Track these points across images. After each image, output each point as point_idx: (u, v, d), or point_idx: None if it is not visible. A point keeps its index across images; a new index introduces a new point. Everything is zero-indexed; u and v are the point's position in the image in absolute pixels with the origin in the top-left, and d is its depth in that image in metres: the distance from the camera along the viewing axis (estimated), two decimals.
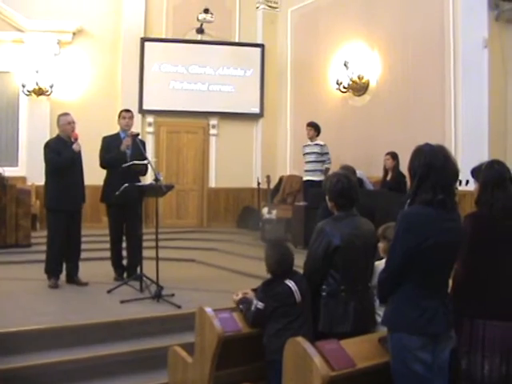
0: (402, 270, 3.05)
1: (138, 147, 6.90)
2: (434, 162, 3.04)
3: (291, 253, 4.10)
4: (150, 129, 12.15)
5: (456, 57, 8.59)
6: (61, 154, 6.77)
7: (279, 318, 3.83)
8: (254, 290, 4.16)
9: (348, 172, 4.50)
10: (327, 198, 4.03)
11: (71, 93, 11.71)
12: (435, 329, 3.05)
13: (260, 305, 3.89)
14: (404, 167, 8.35)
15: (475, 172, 3.64)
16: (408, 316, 3.04)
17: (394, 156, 8.75)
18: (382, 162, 8.92)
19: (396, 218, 3.16)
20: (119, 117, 7.47)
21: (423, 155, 3.09)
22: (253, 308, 3.94)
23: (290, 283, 3.87)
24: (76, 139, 6.85)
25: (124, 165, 6.81)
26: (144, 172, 7.17)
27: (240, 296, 4.21)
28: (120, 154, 7.04)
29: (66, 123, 6.92)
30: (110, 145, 7.26)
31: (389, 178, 8.79)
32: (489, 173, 3.47)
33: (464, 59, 8.48)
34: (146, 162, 6.82)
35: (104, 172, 7.31)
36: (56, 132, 7.15)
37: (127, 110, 7.55)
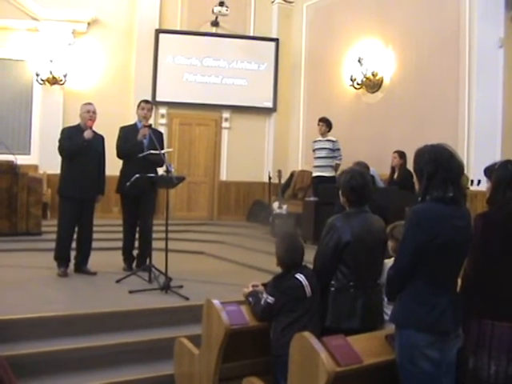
0: (411, 267, 3.04)
1: (155, 138, 6.88)
2: (439, 158, 3.06)
3: (301, 245, 4.12)
4: (163, 120, 12.15)
5: (471, 56, 8.54)
6: (72, 140, 6.77)
7: (288, 312, 3.84)
8: (264, 285, 4.17)
9: (363, 169, 4.51)
10: (340, 192, 4.03)
11: (85, 83, 11.74)
12: (444, 326, 3.04)
13: (270, 299, 3.90)
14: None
15: (488, 171, 3.62)
16: (417, 313, 3.03)
17: (401, 155, 8.73)
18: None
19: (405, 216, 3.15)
20: (138, 107, 7.40)
21: (427, 153, 3.11)
22: (263, 302, 3.95)
23: (301, 277, 3.88)
24: (90, 127, 6.81)
25: (140, 154, 6.79)
26: (162, 163, 7.11)
27: (250, 289, 4.22)
28: (137, 144, 7.02)
29: (84, 111, 6.90)
30: (127, 135, 7.22)
31: (396, 176, 8.76)
32: (502, 172, 3.45)
33: (479, 58, 8.43)
34: (161, 152, 6.79)
35: (119, 162, 7.29)
36: (69, 122, 7.18)
37: (147, 102, 7.50)
